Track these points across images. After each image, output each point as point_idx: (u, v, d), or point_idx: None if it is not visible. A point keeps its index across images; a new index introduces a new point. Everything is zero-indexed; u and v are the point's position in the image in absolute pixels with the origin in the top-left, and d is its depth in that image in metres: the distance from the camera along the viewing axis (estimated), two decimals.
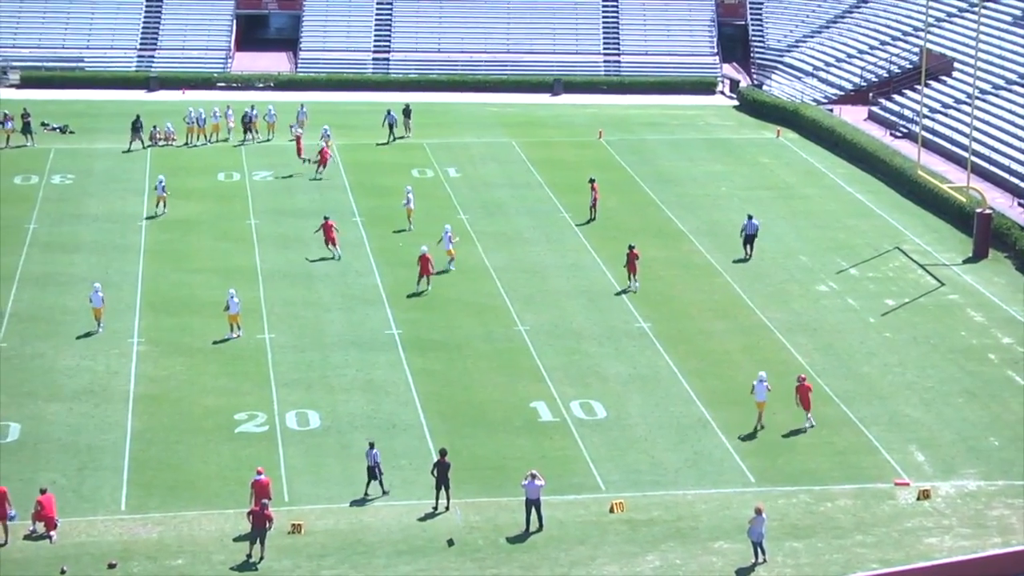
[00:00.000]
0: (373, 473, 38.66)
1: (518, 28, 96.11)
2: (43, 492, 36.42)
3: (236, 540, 36.26)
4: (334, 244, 57.21)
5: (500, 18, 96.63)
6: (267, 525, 35.55)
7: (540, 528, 37.26)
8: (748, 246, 58.49)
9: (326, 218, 57.99)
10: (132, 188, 65.84)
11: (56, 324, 49.32)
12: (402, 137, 76.07)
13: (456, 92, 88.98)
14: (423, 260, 53.77)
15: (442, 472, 37.97)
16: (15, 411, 43.12)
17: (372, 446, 38.89)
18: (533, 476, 37.19)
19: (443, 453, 38.24)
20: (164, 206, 62.57)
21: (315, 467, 40.27)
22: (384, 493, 38.67)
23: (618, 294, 54.33)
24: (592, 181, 62.99)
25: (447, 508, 38.09)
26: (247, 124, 74.49)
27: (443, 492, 38.11)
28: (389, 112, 75.88)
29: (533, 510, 37.22)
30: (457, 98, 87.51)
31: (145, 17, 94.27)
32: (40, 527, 36.28)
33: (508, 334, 50.19)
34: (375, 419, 43.32)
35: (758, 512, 35.87)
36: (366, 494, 38.56)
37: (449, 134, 78.14)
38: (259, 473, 37.43)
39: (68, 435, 41.74)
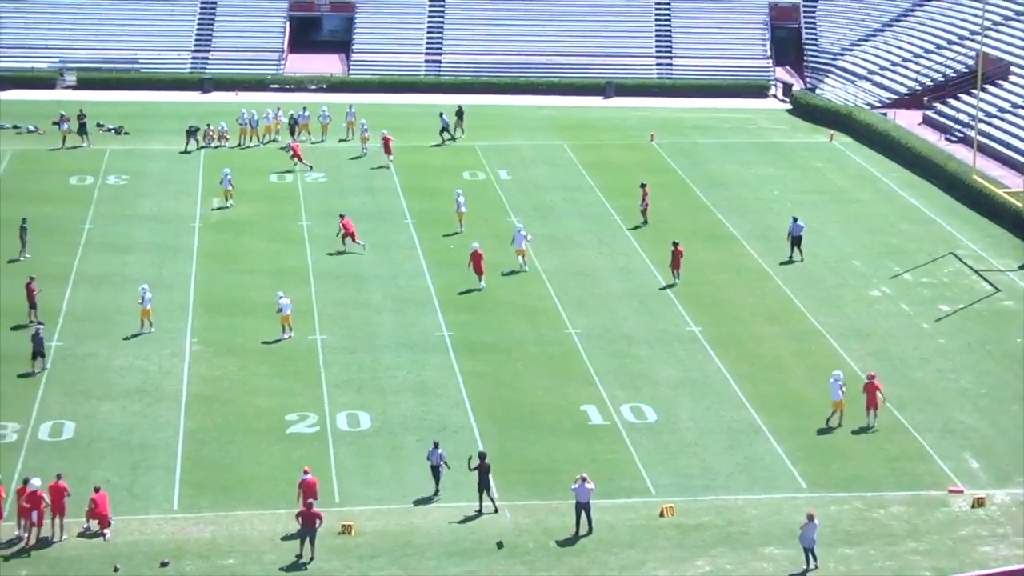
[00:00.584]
0: (437, 472, 38.67)
1: (570, 30, 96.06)
2: (97, 490, 36.73)
3: (287, 540, 36.42)
4: (354, 239, 57.72)
5: (552, 20, 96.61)
6: (316, 524, 35.69)
7: (590, 531, 37.21)
8: (795, 248, 58.27)
9: (341, 216, 58.60)
10: (186, 189, 66.29)
11: (110, 324, 49.71)
12: (454, 139, 76.20)
13: (508, 94, 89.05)
14: (475, 256, 53.88)
15: (483, 475, 37.99)
16: (70, 409, 43.52)
17: (437, 446, 38.93)
18: (583, 479, 37.15)
19: (483, 456, 38.26)
20: (230, 199, 63.51)
21: (365, 468, 40.40)
22: (435, 493, 38.72)
23: (663, 289, 54.35)
24: (644, 186, 62.85)
25: (495, 510, 38.08)
26: (293, 126, 74.79)
27: (485, 494, 38.13)
28: (442, 115, 76.04)
29: (583, 513, 37.18)
30: (508, 100, 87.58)
31: (199, 19, 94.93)
32: (94, 525, 36.59)
33: (559, 337, 50.16)
34: (425, 421, 43.40)
35: (810, 518, 35.67)
36: (436, 492, 38.72)
37: (500, 136, 78.19)
38: (306, 472, 37.63)
39: (121, 434, 42.07)
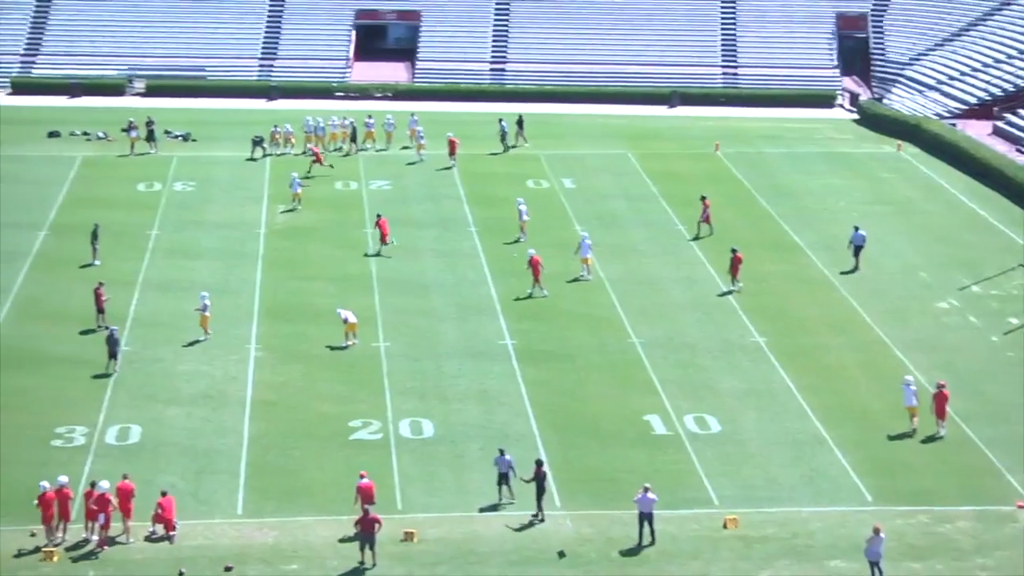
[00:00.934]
0: (505, 479, 38.69)
1: (635, 39, 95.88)
2: (163, 495, 37.07)
3: (349, 546, 36.52)
4: (384, 240, 58.47)
5: (617, 29, 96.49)
6: (375, 529, 35.80)
7: (652, 542, 37.07)
8: (856, 257, 57.90)
9: (378, 216, 59.18)
10: (252, 196, 66.78)
11: (177, 329, 50.14)
12: (514, 147, 76.27)
13: (572, 103, 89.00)
14: (533, 263, 53.92)
15: (539, 483, 38.00)
16: (136, 413, 43.95)
17: (503, 453, 38.96)
18: (646, 489, 37.03)
19: (539, 464, 38.27)
20: (299, 202, 64.16)
21: (428, 476, 40.48)
22: (504, 501, 38.70)
23: (721, 295, 54.03)
24: (704, 198, 62.52)
25: (541, 519, 38.06)
26: (353, 134, 75.11)
27: (540, 503, 38.15)
28: (501, 122, 76.15)
29: (646, 524, 37.06)
30: (573, 109, 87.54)
31: (266, 27, 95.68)
32: (160, 529, 36.91)
33: (622, 346, 50.05)
34: (488, 429, 43.44)
35: (876, 531, 35.35)
36: (504, 499, 38.79)
37: (565, 145, 78.18)
38: (362, 476, 37.83)
39: (187, 439, 42.42)
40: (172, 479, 39.53)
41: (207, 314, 49.36)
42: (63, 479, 36.84)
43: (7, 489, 38.68)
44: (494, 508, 38.74)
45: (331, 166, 70.71)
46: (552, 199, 67.77)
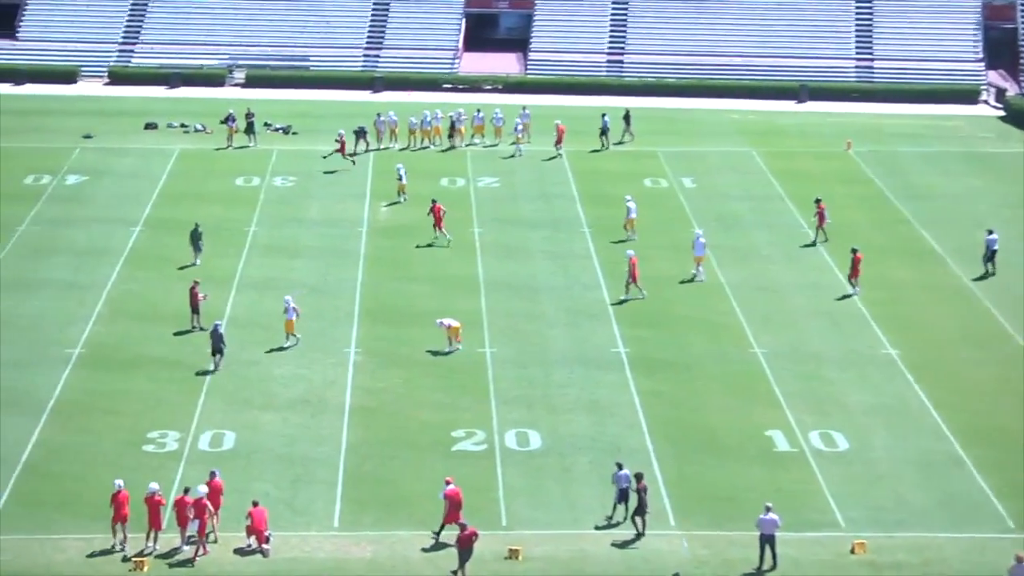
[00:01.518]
0: (625, 496, 38.53)
1: (762, 30, 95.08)
2: (255, 505, 37.40)
3: (449, 563, 36.55)
4: (441, 228, 59.02)
5: (743, 19, 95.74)
6: (473, 542, 35.78)
7: (774, 566, 36.68)
8: (989, 263, 56.84)
9: (434, 201, 59.85)
10: (353, 192, 67.29)
11: (274, 331, 50.58)
12: (620, 143, 75.92)
13: (694, 97, 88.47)
14: (631, 264, 53.66)
15: (641, 498, 37.83)
16: (231, 419, 44.45)
17: (621, 467, 38.77)
18: (767, 509, 36.63)
19: (639, 477, 38.10)
20: (404, 194, 64.82)
21: (535, 490, 40.43)
22: (624, 518, 38.54)
23: (840, 299, 53.47)
24: (819, 201, 61.71)
25: (639, 534, 37.98)
26: (452, 128, 75.27)
27: (638, 518, 38.08)
28: (604, 117, 75.70)
29: (767, 546, 36.66)
30: (694, 104, 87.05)
31: (372, 16, 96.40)
32: (253, 541, 37.25)
33: (743, 356, 49.62)
34: (599, 441, 43.29)
35: (1019, 560, 34.61)
36: (622, 518, 38.67)
37: (685, 142, 77.77)
38: (448, 483, 37.93)
39: (282, 446, 42.81)
40: (266, 487, 39.91)
41: (292, 318, 49.60)
42: (154, 486, 37.34)
43: (98, 495, 39.27)
44: (605, 526, 38.54)
45: (353, 162, 70.74)
46: (670, 199, 67.42)
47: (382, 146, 73.92)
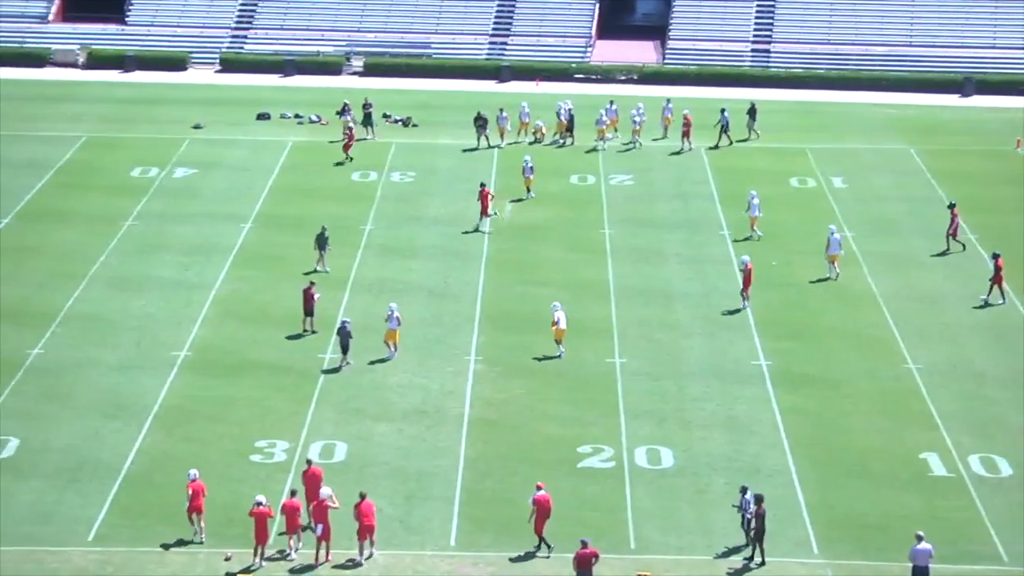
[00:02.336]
0: (749, 521, 38.51)
1: (923, 17, 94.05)
2: (362, 498, 38.01)
3: None
4: (485, 212, 60.65)
5: (902, 6, 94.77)
6: (593, 563, 35.89)
7: None
8: None
9: (483, 185, 61.17)
10: (476, 190, 67.55)
11: None
12: (745, 141, 75.35)
13: (846, 90, 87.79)
14: (746, 272, 53.50)
15: (760, 521, 37.70)
16: (342, 429, 44.99)
17: (745, 491, 38.71)
18: (920, 539, 36.29)
19: (759, 500, 37.91)
20: (531, 191, 65.55)
21: (666, 511, 40.43)
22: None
23: (978, 308, 53.16)
24: (952, 206, 60.82)
25: (760, 563, 37.81)
26: (569, 124, 75.20)
27: (758, 545, 37.94)
28: (723, 112, 75.10)
29: None
30: (847, 97, 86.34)
31: (499, 1, 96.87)
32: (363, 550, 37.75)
33: (896, 372, 49.16)
34: (736, 461, 43.17)
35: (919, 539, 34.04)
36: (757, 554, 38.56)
37: (836, 138, 77.17)
38: (539, 488, 38.36)
39: (397, 459, 43.26)
40: (380, 503, 40.26)
41: (395, 328, 49.82)
42: (260, 498, 37.97)
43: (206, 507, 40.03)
44: (737, 551, 38.43)
45: (350, 159, 71.05)
46: (818, 200, 66.97)
47: (504, 143, 74.02)
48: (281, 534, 38.38)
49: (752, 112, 76.12)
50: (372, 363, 49.38)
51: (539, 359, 49.80)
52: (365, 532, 37.76)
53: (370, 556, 37.98)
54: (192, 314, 53.21)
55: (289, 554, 38.01)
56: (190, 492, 38.47)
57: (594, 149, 73.29)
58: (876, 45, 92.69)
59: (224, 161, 71.67)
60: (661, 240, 61.41)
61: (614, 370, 49.21)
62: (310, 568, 37.74)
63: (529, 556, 38.20)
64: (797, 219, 62.39)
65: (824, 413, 46.38)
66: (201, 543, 38.39)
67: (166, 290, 55.40)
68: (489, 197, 61.54)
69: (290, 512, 37.85)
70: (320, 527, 37.53)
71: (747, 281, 53.73)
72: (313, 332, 51.22)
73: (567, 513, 40.16)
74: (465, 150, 73.80)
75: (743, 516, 38.47)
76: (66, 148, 73.07)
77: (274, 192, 67.17)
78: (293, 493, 38.45)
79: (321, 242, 57.12)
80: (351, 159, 71.37)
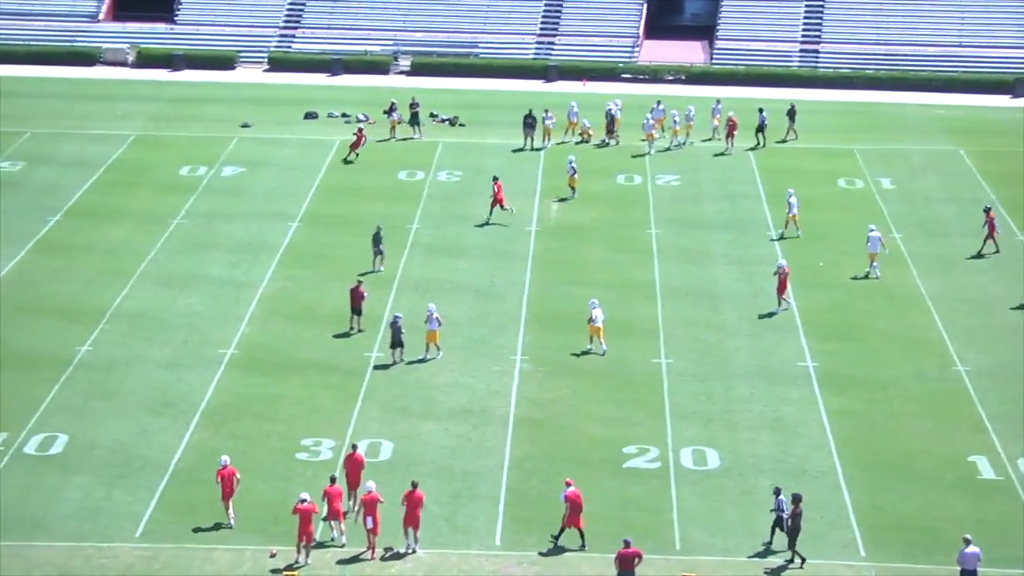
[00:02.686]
0: (781, 523, 38.41)
1: (974, 17, 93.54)
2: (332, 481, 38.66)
3: None
4: (502, 205, 61.96)
5: (952, 6, 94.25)
6: (635, 563, 35.86)
7: None
8: None
9: (495, 179, 61.98)
10: (523, 189, 67.71)
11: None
12: (783, 142, 74.95)
13: (896, 91, 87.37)
14: (781, 276, 53.24)
15: (794, 522, 37.63)
16: (388, 428, 45.13)
17: (778, 493, 38.62)
18: (967, 542, 36.11)
19: (797, 500, 37.85)
20: (575, 191, 65.87)
21: (712, 512, 40.37)
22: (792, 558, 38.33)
23: (1017, 308, 52.69)
24: (988, 210, 60.38)
25: (802, 563, 37.76)
26: (610, 124, 74.99)
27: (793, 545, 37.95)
28: (761, 112, 74.77)
29: None
30: (896, 97, 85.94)
31: (547, 1, 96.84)
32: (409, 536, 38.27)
33: (944, 375, 48.93)
34: (783, 463, 43.06)
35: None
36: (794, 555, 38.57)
37: (885, 139, 76.84)
38: (568, 484, 38.63)
39: (443, 458, 43.34)
40: (425, 502, 40.36)
41: (435, 329, 49.88)
42: (305, 495, 38.10)
43: (249, 505, 40.26)
44: (773, 551, 38.35)
45: (350, 160, 70.96)
46: (866, 201, 66.70)
47: (551, 143, 73.91)
48: (324, 519, 38.63)
49: (792, 113, 75.81)
50: (418, 362, 49.46)
51: (578, 355, 49.80)
52: (409, 522, 38.05)
53: (412, 551, 38.16)
54: (239, 312, 53.48)
55: (333, 540, 38.28)
56: (220, 479, 39.19)
57: (644, 154, 72.98)
58: (926, 45, 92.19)
59: (272, 160, 71.97)
60: (708, 240, 61.31)
61: (660, 370, 49.18)
62: (356, 560, 37.93)
63: (561, 551, 38.21)
64: (845, 220, 62.14)
65: (871, 415, 46.20)
66: (231, 528, 38.99)
67: (214, 288, 55.70)
68: (502, 191, 62.35)
69: (331, 498, 38.27)
70: (371, 520, 37.82)
71: (782, 285, 53.48)
72: (360, 331, 51.37)
73: (612, 513, 40.21)
74: (514, 150, 73.78)
75: (777, 517, 38.38)
76: (115, 147, 73.55)
77: (321, 191, 67.41)
78: (333, 480, 38.83)
79: (376, 241, 57.20)
80: (357, 156, 71.36)
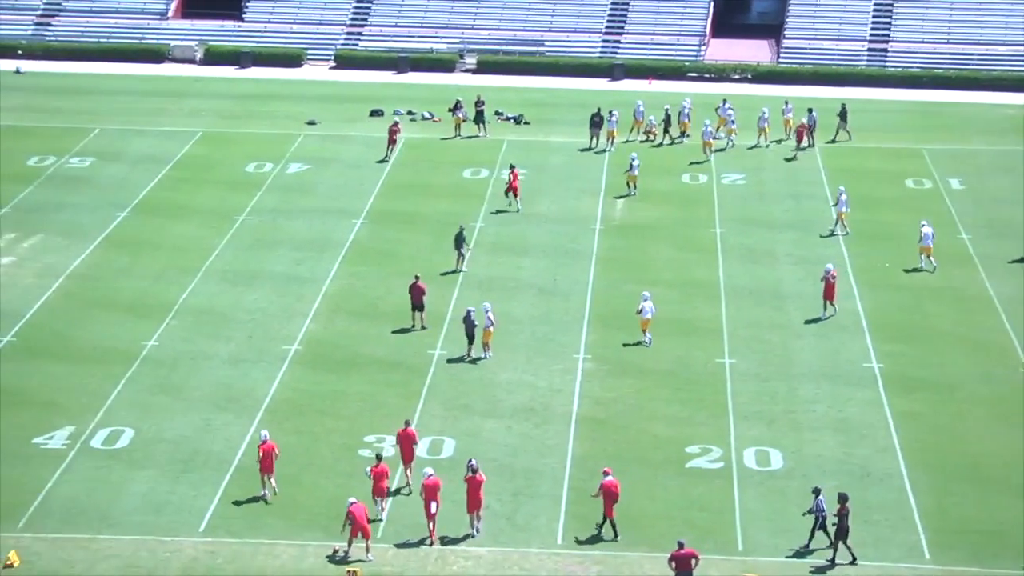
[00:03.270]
0: (823, 524, 38.29)
1: None
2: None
3: None
4: (515, 193, 63.43)
5: None
6: (692, 565, 35.73)
7: None
8: None
9: (512, 167, 64.39)
10: (588, 188, 67.66)
11: (499, 334, 51.08)
12: (833, 142, 74.33)
13: (966, 90, 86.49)
14: (829, 281, 52.56)
15: (842, 520, 37.41)
16: (450, 425, 45.20)
17: (818, 493, 38.46)
18: None
19: (843, 499, 37.78)
20: (634, 187, 65.81)
21: (775, 514, 40.16)
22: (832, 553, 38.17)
23: None
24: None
25: (853, 560, 37.58)
26: (666, 123, 74.53)
27: (841, 543, 37.75)
28: (810, 112, 74.12)
29: None
30: (966, 97, 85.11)
31: (613, 0, 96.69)
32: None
33: (1012, 377, 48.49)
34: (846, 464, 42.79)
35: None
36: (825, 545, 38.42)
37: (954, 139, 76.15)
38: (606, 474, 38.83)
39: (505, 456, 43.35)
40: (487, 500, 40.42)
41: (489, 328, 49.83)
42: (352, 499, 38.26)
43: (313, 500, 40.46)
44: (847, 555, 38.12)
45: (386, 159, 70.89)
46: (934, 202, 66.16)
47: (613, 144, 73.64)
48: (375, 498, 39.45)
49: (843, 114, 75.15)
50: (480, 360, 49.50)
51: (630, 345, 49.67)
52: (472, 506, 38.66)
53: (475, 534, 38.85)
54: (303, 309, 53.71)
55: (380, 516, 39.25)
56: (261, 453, 40.21)
57: (722, 148, 72.77)
58: (996, 44, 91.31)
59: (337, 157, 72.24)
60: (773, 240, 61.01)
61: (723, 370, 48.98)
62: (422, 543, 38.53)
63: (596, 539, 38.18)
64: (912, 220, 61.58)
65: (938, 417, 45.83)
66: (268, 504, 39.90)
67: (278, 284, 55.97)
68: (517, 179, 63.71)
69: (377, 477, 39.45)
70: (434, 504, 38.30)
71: (829, 290, 52.73)
72: (424, 327, 51.47)
73: (674, 513, 40.11)
74: (580, 149, 73.61)
75: (817, 518, 38.23)
76: (183, 143, 74.07)
77: (386, 188, 67.59)
78: (379, 458, 39.79)
79: (459, 242, 57.13)
80: (390, 154, 71.40)
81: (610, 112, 74.38)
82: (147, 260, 58.36)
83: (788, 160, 71.81)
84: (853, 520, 38.20)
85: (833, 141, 74.63)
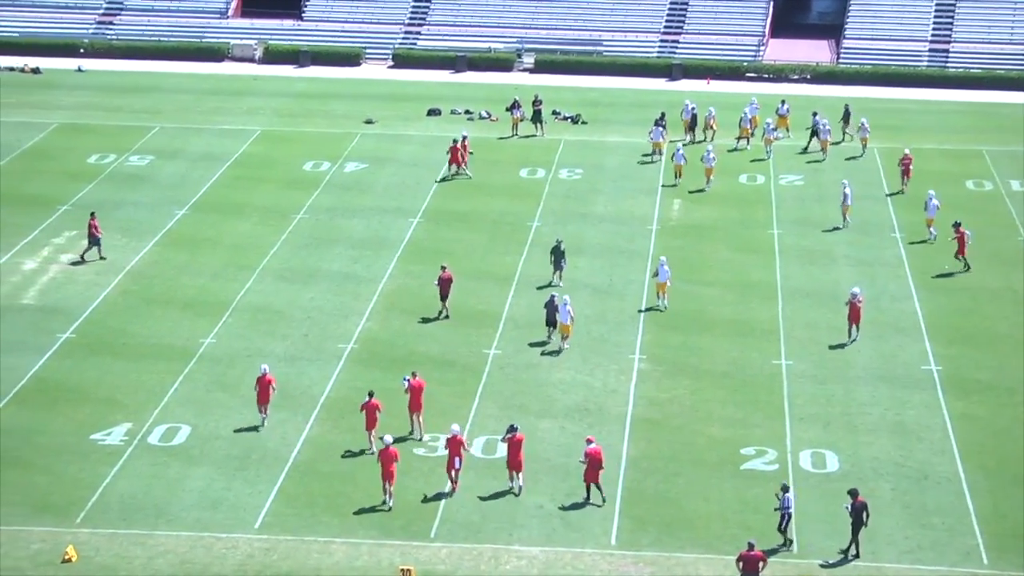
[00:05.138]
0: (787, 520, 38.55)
1: None
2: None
3: None
4: (460, 165, 67.13)
5: None
6: (760, 567, 35.64)
7: None
8: None
9: (464, 136, 68.80)
10: (644, 188, 67.58)
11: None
12: (838, 142, 73.64)
13: None
14: (854, 305, 51.07)
15: (857, 514, 37.35)
16: (505, 425, 45.09)
17: (786, 490, 38.70)
18: None
19: (854, 494, 37.87)
20: (679, 177, 66.67)
21: (830, 516, 39.95)
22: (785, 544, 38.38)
23: None
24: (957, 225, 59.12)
25: (856, 555, 37.67)
26: (699, 121, 74.24)
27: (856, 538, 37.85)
28: (815, 115, 73.49)
29: None
30: None
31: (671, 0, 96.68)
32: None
33: None
34: (903, 467, 42.55)
35: None
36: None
37: (1016, 141, 75.59)
38: (589, 442, 40.57)
39: (559, 456, 43.34)
40: (539, 500, 40.50)
41: (567, 322, 50.02)
42: (388, 438, 40.65)
43: (368, 498, 40.58)
44: (907, 554, 37.86)
45: (466, 173, 68.75)
46: (995, 203, 65.74)
47: (685, 141, 73.58)
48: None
49: (846, 115, 74.49)
50: (538, 358, 49.58)
51: (651, 310, 49.67)
52: (513, 465, 40.55)
53: (517, 493, 40.59)
54: (360, 307, 53.91)
55: (370, 449, 42.44)
56: (258, 388, 44.40)
57: (735, 149, 72.50)
58: None
59: (394, 156, 72.44)
60: (830, 241, 60.75)
61: (780, 372, 48.81)
62: (446, 495, 40.46)
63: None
64: (971, 222, 61.09)
65: (996, 421, 45.49)
66: (263, 426, 44.04)
67: (335, 283, 56.19)
68: (464, 151, 67.05)
69: (370, 410, 42.75)
70: (458, 460, 40.28)
71: (855, 313, 51.01)
72: (447, 317, 51.78)
73: (729, 515, 39.99)
74: (644, 155, 73.47)
75: (783, 516, 38.33)
76: (242, 141, 74.51)
77: (442, 187, 67.73)
78: (371, 394, 43.07)
79: (557, 255, 55.87)
80: (458, 172, 69.07)
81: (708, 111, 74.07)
82: (205, 258, 58.74)
83: (848, 159, 71.42)
84: (909, 523, 38.00)
85: (838, 142, 73.86)
